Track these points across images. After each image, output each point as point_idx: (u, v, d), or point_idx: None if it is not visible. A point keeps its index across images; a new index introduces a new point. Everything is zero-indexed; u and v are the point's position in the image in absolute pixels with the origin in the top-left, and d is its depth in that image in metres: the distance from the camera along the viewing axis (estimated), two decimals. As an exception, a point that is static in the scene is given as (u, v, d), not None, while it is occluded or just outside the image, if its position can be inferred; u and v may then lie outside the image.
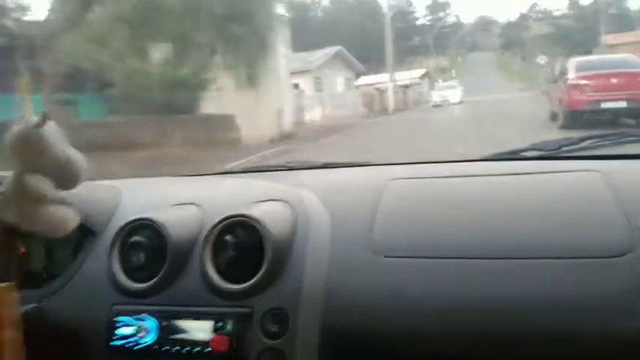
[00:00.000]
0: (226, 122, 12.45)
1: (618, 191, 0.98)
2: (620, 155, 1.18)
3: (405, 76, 39.12)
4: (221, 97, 13.44)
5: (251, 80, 13.11)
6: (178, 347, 0.95)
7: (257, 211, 1.01)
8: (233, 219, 1.00)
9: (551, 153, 1.29)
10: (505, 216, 1.00)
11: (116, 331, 0.99)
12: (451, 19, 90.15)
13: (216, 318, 0.95)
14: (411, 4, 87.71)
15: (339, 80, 32.34)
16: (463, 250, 0.94)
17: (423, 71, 48.01)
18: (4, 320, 0.87)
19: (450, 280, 0.91)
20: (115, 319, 0.99)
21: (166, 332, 0.96)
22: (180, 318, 0.97)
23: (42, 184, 0.89)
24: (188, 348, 0.94)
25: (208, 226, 1.02)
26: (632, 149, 1.23)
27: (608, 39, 26.53)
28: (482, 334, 0.88)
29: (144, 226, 1.04)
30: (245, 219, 0.99)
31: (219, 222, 1.00)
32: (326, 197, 1.13)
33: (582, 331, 0.84)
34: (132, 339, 0.97)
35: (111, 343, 0.98)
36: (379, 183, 1.14)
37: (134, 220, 1.05)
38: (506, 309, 0.87)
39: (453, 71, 64.59)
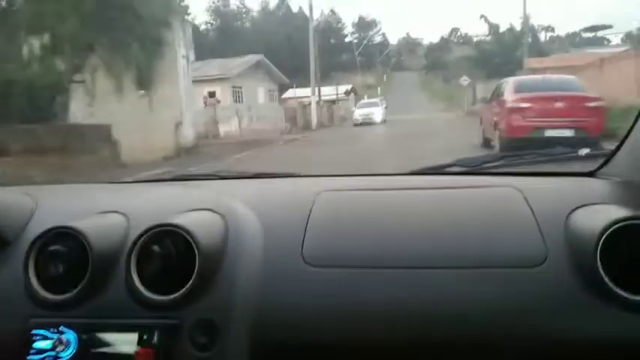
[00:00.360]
0: (97, 133, 9.98)
1: (533, 206, 1.03)
2: (536, 172, 1.28)
3: (330, 92, 37.80)
4: (104, 103, 11.01)
5: (141, 84, 10.76)
6: None
7: (186, 221, 0.98)
8: (161, 228, 0.96)
9: (473, 169, 1.35)
10: (428, 227, 1.03)
11: (33, 345, 0.93)
12: (378, 38, 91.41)
13: (142, 330, 0.91)
14: (339, 21, 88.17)
15: (260, 91, 30.22)
16: (390, 260, 0.97)
17: (349, 87, 47.13)
18: None
19: (377, 290, 0.93)
20: (32, 332, 0.94)
21: (87, 346, 0.92)
22: (102, 331, 0.92)
23: None
24: None
25: (134, 236, 0.97)
26: (546, 167, 1.32)
27: (531, 62, 26.89)
28: (408, 343, 0.91)
29: (63, 234, 0.98)
30: (174, 228, 0.95)
31: (146, 231, 0.96)
32: (257, 208, 1.11)
33: (501, 338, 0.88)
34: (50, 353, 0.92)
35: (27, 358, 0.93)
36: (310, 194, 1.14)
37: (52, 229, 0.98)
38: (431, 317, 0.90)
39: (379, 89, 64.93)
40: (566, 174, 1.27)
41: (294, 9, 78.42)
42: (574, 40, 61.60)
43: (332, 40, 78.63)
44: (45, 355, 0.91)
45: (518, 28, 44.71)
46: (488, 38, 58.59)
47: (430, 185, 1.22)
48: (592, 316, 0.88)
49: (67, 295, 0.95)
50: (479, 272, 0.93)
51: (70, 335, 0.92)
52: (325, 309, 0.93)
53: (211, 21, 73.15)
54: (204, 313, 0.92)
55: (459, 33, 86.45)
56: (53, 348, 0.92)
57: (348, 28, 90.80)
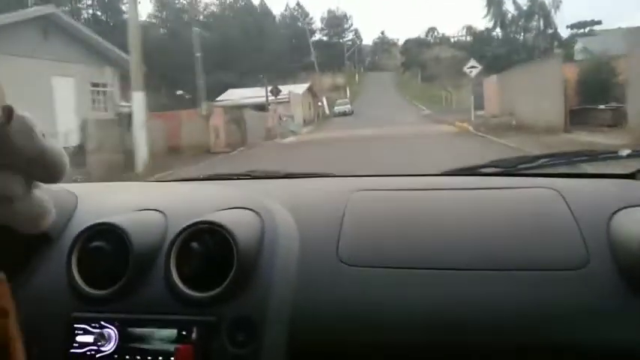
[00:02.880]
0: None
1: (572, 208, 1.00)
2: (574, 174, 1.22)
3: (255, 94, 27.92)
4: None
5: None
6: (140, 356, 0.90)
7: (224, 218, 0.97)
8: (199, 225, 0.95)
9: (508, 170, 1.30)
10: (464, 228, 1.01)
11: (75, 339, 0.93)
12: (350, 35, 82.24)
13: (181, 326, 0.90)
14: (306, 15, 78.66)
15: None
16: (426, 260, 0.94)
17: (305, 86, 37.36)
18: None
19: (414, 290, 0.91)
20: (74, 326, 0.94)
21: (127, 341, 0.91)
22: (142, 326, 0.92)
23: (11, 183, 0.87)
24: (150, 357, 0.90)
25: (173, 233, 0.97)
26: (584, 168, 1.27)
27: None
28: (445, 344, 0.88)
29: (105, 231, 0.98)
30: (212, 226, 0.95)
31: (186, 228, 0.95)
32: (291, 207, 1.10)
33: (542, 342, 0.85)
34: (91, 347, 0.92)
35: (70, 351, 0.93)
36: (343, 194, 1.13)
37: (95, 225, 0.99)
38: (468, 319, 0.87)
39: (347, 89, 55.94)
40: (607, 175, 1.20)
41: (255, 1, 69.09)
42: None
43: (293, 40, 69.04)
44: (87, 348, 0.92)
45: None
46: (467, 38, 50.15)
47: (465, 186, 1.18)
48: (636, 319, 0.84)
49: (108, 291, 0.94)
50: (518, 275, 0.90)
51: (111, 330, 0.92)
52: (361, 308, 0.91)
53: (156, 14, 62.72)
54: (242, 310, 0.91)
55: (435, 33, 78.03)
56: (95, 342, 0.92)
57: (317, 24, 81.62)
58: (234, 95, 31.58)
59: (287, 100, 27.33)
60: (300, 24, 77.99)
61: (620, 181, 1.16)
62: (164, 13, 62.84)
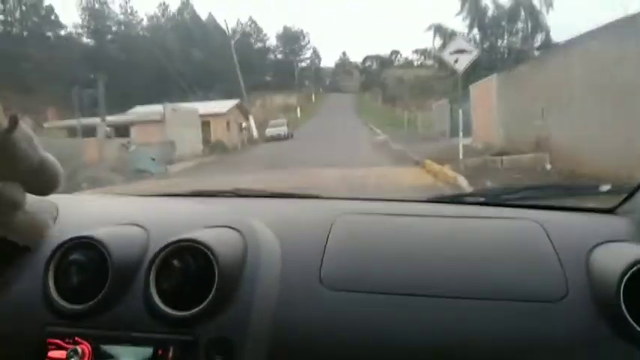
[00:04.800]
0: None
1: (553, 241, 1.00)
2: (556, 207, 1.20)
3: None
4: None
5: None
6: None
7: (206, 237, 0.94)
8: (181, 243, 0.92)
9: (492, 200, 1.28)
10: (446, 256, 1.00)
11: (47, 355, 0.89)
12: (308, 53, 74.21)
13: (157, 345, 0.87)
14: (259, 32, 70.39)
15: None
16: (407, 287, 0.93)
17: (230, 103, 28.29)
18: None
19: (393, 317, 0.90)
20: (47, 341, 0.90)
21: (101, 357, 0.88)
22: (117, 344, 0.88)
23: (15, 192, 0.85)
24: None
25: (154, 249, 0.93)
26: (565, 202, 1.26)
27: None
28: None
29: (84, 244, 0.94)
30: (194, 244, 0.91)
31: (167, 245, 0.91)
32: (275, 227, 1.07)
33: None
34: None
35: None
36: (328, 216, 1.11)
37: (74, 238, 0.94)
38: (445, 346, 0.87)
39: (298, 110, 47.47)
40: (586, 209, 1.19)
41: (203, 15, 60.51)
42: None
43: (255, 59, 60.54)
44: None
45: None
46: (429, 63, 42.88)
47: (449, 214, 1.17)
48: (613, 354, 0.83)
49: (84, 306, 0.90)
50: (497, 304, 0.89)
51: (85, 346, 0.87)
52: (341, 333, 0.89)
53: (84, 24, 53.09)
54: (221, 330, 0.87)
55: (398, 56, 71.15)
56: (67, 358, 0.87)
57: (272, 42, 73.39)
58: (138, 111, 22.60)
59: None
60: (252, 40, 70.12)
61: (599, 216, 1.16)
62: (92, 23, 53.82)
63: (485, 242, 1.03)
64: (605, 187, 1.26)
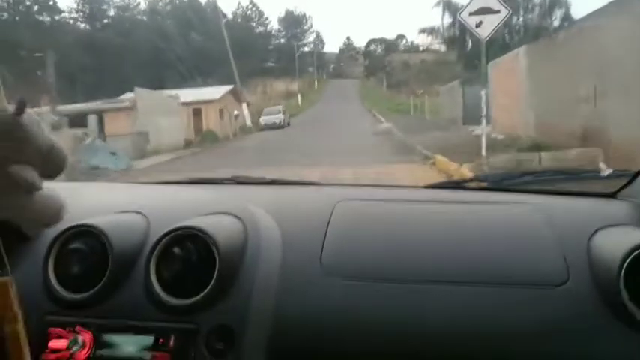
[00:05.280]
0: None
1: (554, 226, 0.99)
2: (557, 191, 1.20)
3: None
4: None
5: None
6: None
7: (207, 224, 0.92)
8: (182, 230, 0.91)
9: (492, 185, 1.28)
10: (447, 242, 0.98)
11: (48, 344, 0.88)
12: (310, 37, 71.62)
13: (158, 333, 0.86)
14: (261, 15, 67.80)
15: None
16: (407, 273, 0.93)
17: (222, 89, 26.15)
18: (7, 314, 0.79)
19: (397, 303, 0.89)
20: (48, 330, 0.89)
21: (103, 346, 0.87)
22: (118, 332, 0.88)
23: (32, 174, 0.83)
24: None
25: (154, 237, 0.92)
26: (566, 187, 1.26)
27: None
28: (425, 355, 0.87)
29: (84, 232, 0.93)
30: (194, 231, 0.90)
31: (167, 233, 0.90)
32: (276, 214, 1.06)
33: (518, 356, 0.84)
34: (65, 353, 0.87)
35: (42, 357, 0.87)
36: (328, 203, 1.10)
37: (74, 226, 0.93)
38: (446, 332, 0.86)
39: (299, 96, 45.28)
40: (588, 194, 1.18)
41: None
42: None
43: (245, 41, 58.18)
44: (60, 354, 0.86)
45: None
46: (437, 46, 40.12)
47: (449, 199, 1.16)
48: (613, 339, 0.83)
49: (84, 294, 0.90)
50: (498, 289, 0.88)
51: (86, 335, 0.87)
52: (342, 319, 0.88)
53: (79, 9, 50.90)
54: (222, 318, 0.87)
55: (404, 40, 68.33)
56: (68, 347, 0.86)
57: (274, 25, 70.83)
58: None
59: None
60: (253, 24, 67.62)
61: (600, 200, 1.14)
62: (86, 7, 51.60)
63: (486, 228, 1.01)
64: (607, 172, 1.26)
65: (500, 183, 1.28)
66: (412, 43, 66.56)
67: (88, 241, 0.91)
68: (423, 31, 25.21)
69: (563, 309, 0.85)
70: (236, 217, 1.01)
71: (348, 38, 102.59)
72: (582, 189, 1.20)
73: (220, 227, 0.95)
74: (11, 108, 0.78)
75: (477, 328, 0.85)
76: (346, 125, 21.55)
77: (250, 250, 0.94)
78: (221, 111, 25.88)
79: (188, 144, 18.23)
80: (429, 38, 33.36)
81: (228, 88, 27.26)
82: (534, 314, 0.84)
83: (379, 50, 63.67)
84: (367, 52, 65.58)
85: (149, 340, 0.85)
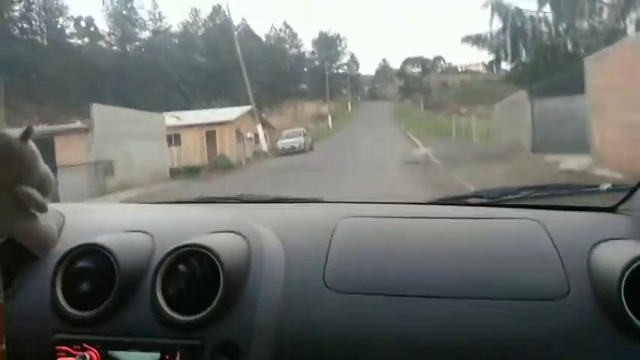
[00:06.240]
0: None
1: (554, 240, 0.99)
2: (556, 206, 1.20)
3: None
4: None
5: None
6: None
7: (212, 242, 0.94)
8: (187, 248, 0.92)
9: (492, 200, 1.27)
10: (450, 257, 0.99)
11: None
12: (345, 59, 68.94)
13: (164, 350, 0.87)
14: (294, 37, 65.69)
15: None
16: (410, 288, 0.93)
17: (240, 110, 23.06)
18: None
19: (400, 317, 0.90)
20: (56, 348, 0.90)
21: None
22: (125, 349, 0.88)
23: (37, 195, 0.87)
24: None
25: (160, 255, 0.93)
26: (566, 201, 1.24)
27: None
28: None
29: (91, 251, 0.94)
30: (199, 249, 0.91)
31: (173, 250, 0.92)
32: (279, 232, 1.07)
33: None
34: None
35: None
36: (332, 220, 1.11)
37: (81, 245, 0.94)
38: (451, 347, 0.86)
39: (329, 118, 42.06)
40: (587, 208, 1.18)
41: (236, 21, 56.61)
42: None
43: (278, 63, 56.13)
44: None
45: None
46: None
47: (451, 215, 1.16)
48: (615, 352, 0.83)
49: (91, 312, 0.91)
50: (500, 304, 0.88)
51: (92, 352, 0.88)
52: (345, 334, 0.88)
53: (112, 31, 50.04)
54: (227, 334, 0.88)
55: (442, 62, 64.67)
56: None
57: (307, 47, 68.61)
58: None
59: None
60: (287, 46, 65.58)
61: (600, 214, 1.14)
62: (118, 31, 50.72)
63: (487, 243, 1.02)
64: (605, 186, 1.25)
65: (499, 198, 1.27)
66: (450, 64, 63.04)
67: (95, 259, 0.91)
68: (467, 39, 21.22)
69: (565, 322, 0.85)
70: (240, 234, 1.02)
71: (383, 60, 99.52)
72: (581, 203, 1.19)
73: (224, 245, 0.95)
74: (16, 132, 0.82)
75: (479, 343, 0.84)
76: (377, 150, 17.96)
77: (254, 267, 0.95)
78: (238, 133, 22.79)
79: (175, 174, 14.80)
80: (473, 48, 29.25)
81: (245, 109, 24.19)
82: (536, 327, 0.84)
83: (416, 70, 60.05)
84: (403, 73, 62.01)
85: (155, 357, 0.86)
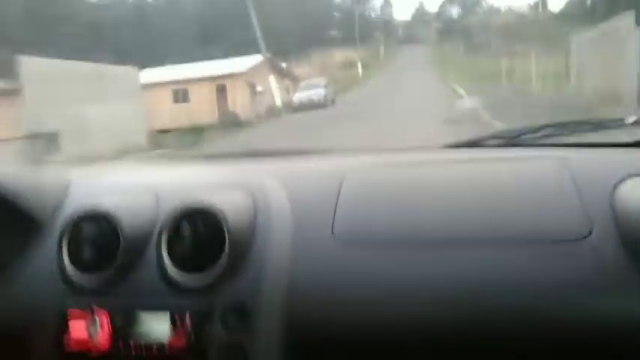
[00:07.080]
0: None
1: (576, 178, 0.95)
2: (578, 143, 1.15)
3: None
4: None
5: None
6: (133, 342, 0.87)
7: (217, 200, 0.92)
8: (190, 207, 0.90)
9: (511, 141, 1.22)
10: (465, 204, 0.95)
11: (67, 328, 0.89)
12: (378, 2, 63.45)
13: (174, 313, 0.86)
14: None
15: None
16: (425, 238, 0.90)
17: (252, 60, 19.85)
18: None
19: (411, 269, 0.86)
20: (67, 314, 0.90)
21: (120, 327, 0.88)
22: (134, 312, 0.88)
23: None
24: (143, 344, 0.87)
25: (164, 215, 0.91)
26: (588, 138, 1.18)
27: None
28: (445, 322, 0.83)
29: (95, 216, 0.93)
30: (204, 208, 0.89)
31: (176, 211, 0.90)
32: (286, 185, 1.04)
33: (544, 314, 0.82)
34: (84, 335, 0.88)
35: (62, 340, 0.89)
36: (339, 171, 1.06)
37: (84, 210, 0.93)
38: (470, 296, 0.83)
39: (359, 65, 38.25)
40: (611, 144, 1.11)
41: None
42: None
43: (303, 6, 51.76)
44: (79, 336, 0.87)
45: None
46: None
47: (466, 159, 1.11)
48: (638, 293, 0.80)
49: (99, 277, 0.90)
50: (520, 249, 0.85)
51: (103, 316, 0.88)
52: (357, 288, 0.86)
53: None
54: (236, 295, 0.86)
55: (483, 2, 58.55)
56: (87, 329, 0.88)
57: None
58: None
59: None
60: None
61: (625, 150, 1.09)
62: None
63: (506, 186, 0.97)
64: (632, 119, 1.18)
65: (518, 138, 1.20)
66: (492, 5, 56.95)
67: (100, 223, 0.90)
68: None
69: (587, 263, 0.81)
70: (246, 190, 0.99)
71: (420, 3, 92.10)
72: (605, 139, 1.13)
73: (230, 202, 0.93)
74: None
75: (499, 288, 0.81)
76: (411, 101, 14.70)
77: (260, 224, 0.93)
78: (252, 86, 19.75)
79: (158, 143, 11.75)
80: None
81: (260, 58, 20.92)
82: (558, 270, 0.81)
83: (455, 12, 54.40)
84: (441, 15, 56.36)
85: (165, 318, 0.85)
